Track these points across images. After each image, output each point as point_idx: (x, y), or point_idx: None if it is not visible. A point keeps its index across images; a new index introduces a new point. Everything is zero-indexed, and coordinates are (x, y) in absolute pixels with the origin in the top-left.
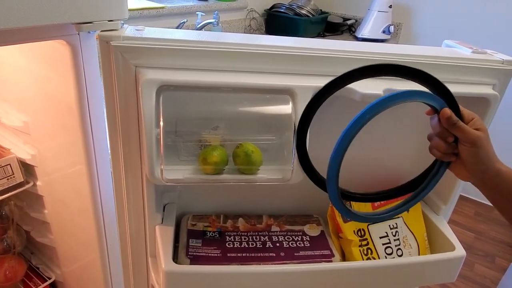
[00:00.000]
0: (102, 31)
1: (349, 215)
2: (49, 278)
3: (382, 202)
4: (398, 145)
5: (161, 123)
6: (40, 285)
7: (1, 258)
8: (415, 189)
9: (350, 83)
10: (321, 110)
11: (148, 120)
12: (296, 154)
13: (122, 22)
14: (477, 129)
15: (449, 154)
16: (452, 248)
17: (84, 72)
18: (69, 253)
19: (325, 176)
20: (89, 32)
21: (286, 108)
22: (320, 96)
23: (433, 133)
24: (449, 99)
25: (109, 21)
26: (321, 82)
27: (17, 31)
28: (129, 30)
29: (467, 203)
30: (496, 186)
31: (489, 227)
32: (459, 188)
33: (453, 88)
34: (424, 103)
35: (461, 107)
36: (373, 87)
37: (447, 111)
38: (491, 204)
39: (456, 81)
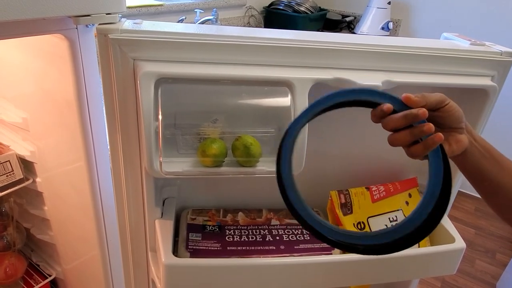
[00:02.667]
0: (100, 24)
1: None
2: (50, 275)
3: (381, 195)
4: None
5: (160, 116)
6: (40, 282)
7: (1, 255)
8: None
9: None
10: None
11: (146, 113)
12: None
13: (120, 15)
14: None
15: (430, 138)
16: (452, 240)
17: (83, 66)
18: (69, 250)
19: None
20: (87, 26)
21: (284, 101)
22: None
23: (394, 134)
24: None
25: (107, 14)
26: (320, 75)
27: (14, 24)
28: (127, 23)
29: (467, 199)
30: (474, 136)
31: (490, 223)
32: (458, 180)
33: (452, 80)
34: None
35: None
36: (371, 78)
37: (407, 94)
38: None
39: (455, 72)
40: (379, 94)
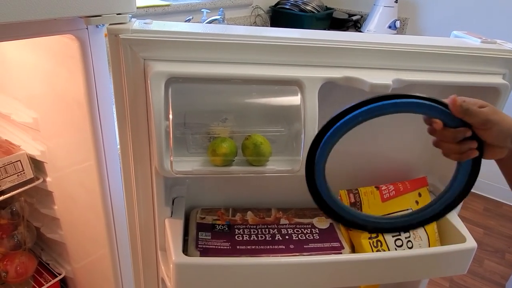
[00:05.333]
0: (110, 24)
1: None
2: (59, 274)
3: (391, 194)
4: (403, 136)
5: (171, 116)
6: (50, 280)
7: (12, 254)
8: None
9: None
10: (327, 100)
11: (157, 112)
12: (304, 146)
13: (130, 15)
14: (480, 107)
15: (466, 152)
16: (462, 240)
17: (93, 66)
18: (79, 248)
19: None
20: (97, 26)
21: (294, 99)
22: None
23: (439, 140)
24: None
25: (117, 14)
26: (329, 73)
27: (26, 25)
28: (138, 23)
29: (476, 199)
30: None
31: (498, 223)
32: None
33: (463, 78)
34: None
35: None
36: (382, 77)
37: (456, 98)
38: (500, 200)
39: (466, 71)
40: (422, 105)
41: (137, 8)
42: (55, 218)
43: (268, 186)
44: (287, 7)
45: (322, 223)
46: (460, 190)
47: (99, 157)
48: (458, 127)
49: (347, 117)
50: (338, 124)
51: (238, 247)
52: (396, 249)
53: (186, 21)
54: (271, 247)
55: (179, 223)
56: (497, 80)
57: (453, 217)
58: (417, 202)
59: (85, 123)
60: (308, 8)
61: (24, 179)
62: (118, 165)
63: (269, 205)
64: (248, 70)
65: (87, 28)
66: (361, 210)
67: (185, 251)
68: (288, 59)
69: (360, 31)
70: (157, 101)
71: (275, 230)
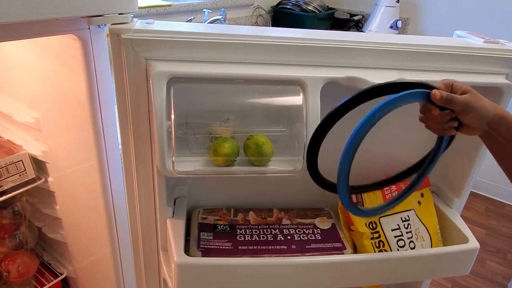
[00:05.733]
0: (112, 24)
1: (361, 214)
2: (61, 274)
3: (393, 195)
4: (405, 135)
5: (172, 116)
6: (52, 280)
7: (13, 254)
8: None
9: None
10: (330, 101)
11: (159, 112)
12: (306, 146)
13: (132, 15)
14: (463, 93)
15: (447, 129)
16: (465, 240)
17: (95, 66)
18: (81, 248)
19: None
20: (99, 26)
21: (296, 99)
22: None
23: (426, 118)
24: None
25: (119, 14)
26: (332, 73)
27: (28, 25)
28: (139, 23)
29: (478, 199)
30: (499, 131)
31: (500, 223)
32: (471, 181)
33: (466, 78)
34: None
35: (437, 84)
36: (384, 77)
37: (436, 93)
38: (501, 200)
39: (469, 71)
40: (416, 94)
41: (139, 8)
42: (56, 218)
43: (269, 186)
44: (289, 7)
45: (324, 223)
46: (437, 159)
47: (100, 157)
48: (444, 109)
49: (355, 130)
50: (355, 134)
51: (239, 247)
52: (398, 250)
53: (187, 21)
54: (273, 247)
55: (181, 223)
56: (500, 80)
57: (456, 218)
58: (419, 203)
59: (87, 123)
60: (310, 8)
61: (26, 179)
62: (120, 165)
63: (270, 205)
64: (250, 70)
65: (89, 28)
66: None
67: (187, 251)
68: (290, 59)
69: (362, 31)
70: (159, 101)
71: (277, 230)
